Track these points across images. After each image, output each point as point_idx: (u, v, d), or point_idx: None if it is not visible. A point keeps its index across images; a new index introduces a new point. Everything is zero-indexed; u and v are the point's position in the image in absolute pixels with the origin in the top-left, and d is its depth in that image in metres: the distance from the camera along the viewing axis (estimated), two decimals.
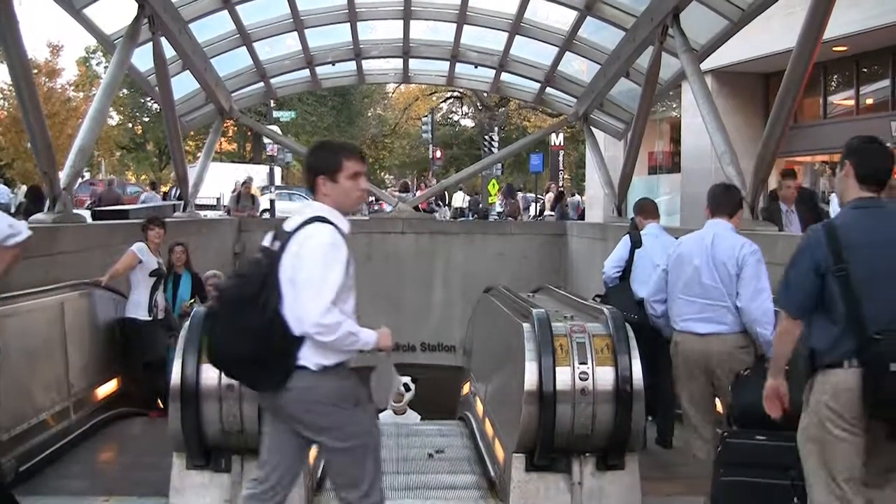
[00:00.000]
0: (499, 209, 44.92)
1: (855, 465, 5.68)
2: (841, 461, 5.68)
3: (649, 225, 11.48)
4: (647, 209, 11.84)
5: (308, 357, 5.74)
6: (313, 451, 6.89)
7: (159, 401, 12.96)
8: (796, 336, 5.98)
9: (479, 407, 11.93)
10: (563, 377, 8.11)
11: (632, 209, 12.37)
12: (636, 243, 11.24)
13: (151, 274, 13.07)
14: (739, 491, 6.91)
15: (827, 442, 5.71)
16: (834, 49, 24.56)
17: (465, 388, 14.71)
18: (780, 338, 6.17)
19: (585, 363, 8.17)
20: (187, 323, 8.41)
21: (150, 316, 13.05)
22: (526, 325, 8.61)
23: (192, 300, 14.17)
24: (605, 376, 8.14)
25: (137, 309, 13.02)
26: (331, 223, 5.84)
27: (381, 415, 15.56)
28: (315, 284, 5.63)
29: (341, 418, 5.88)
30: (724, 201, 8.84)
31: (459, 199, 47.34)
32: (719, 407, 8.70)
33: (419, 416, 16.27)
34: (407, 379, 16.54)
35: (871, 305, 5.63)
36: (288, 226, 5.93)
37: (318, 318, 5.58)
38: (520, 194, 46.97)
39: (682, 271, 8.73)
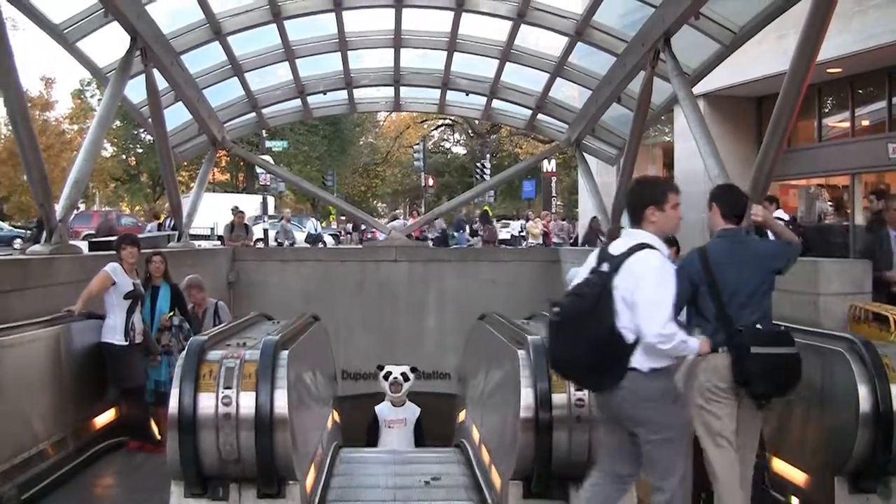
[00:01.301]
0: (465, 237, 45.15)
1: (728, 426, 7.72)
2: (719, 423, 7.69)
3: None
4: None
5: (640, 361, 6.77)
6: (311, 478, 6.87)
7: (156, 429, 12.69)
8: None
9: (476, 434, 11.92)
10: (560, 403, 8.14)
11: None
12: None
13: (126, 296, 12.23)
14: None
15: (709, 410, 7.70)
16: (828, 71, 24.58)
17: (461, 416, 14.69)
18: None
19: (581, 390, 8.19)
20: (184, 352, 8.36)
21: (126, 340, 12.19)
22: (521, 352, 8.63)
23: (171, 313, 13.53)
24: None
25: (113, 333, 12.17)
26: (656, 248, 6.94)
27: (378, 407, 15.97)
28: (654, 303, 6.70)
29: (661, 413, 6.84)
30: None
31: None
32: None
33: (419, 409, 16.01)
34: (405, 368, 16.17)
35: (732, 307, 7.79)
36: (614, 250, 7.03)
37: (659, 329, 6.66)
38: (563, 222, 46.76)
39: None
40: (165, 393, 11.73)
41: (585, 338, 6.76)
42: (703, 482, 7.95)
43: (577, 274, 11.43)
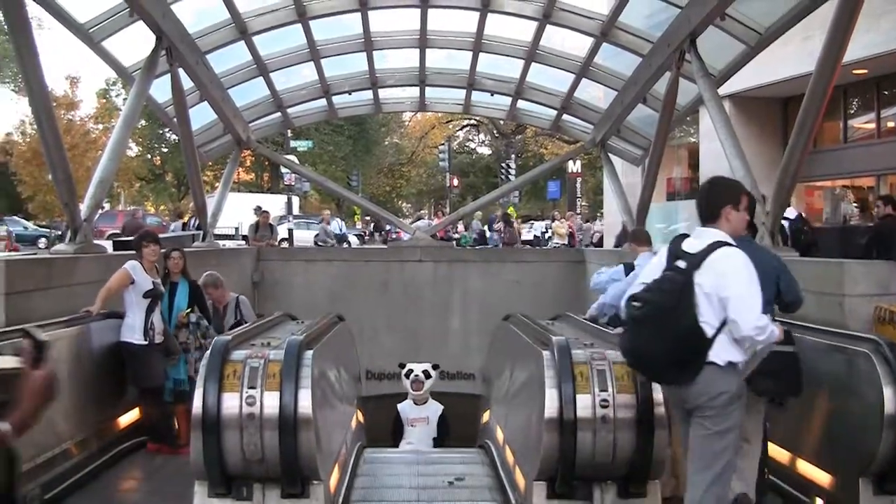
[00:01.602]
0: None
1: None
2: None
3: (642, 254, 11.61)
4: (640, 237, 12.60)
5: (718, 355, 6.91)
6: (335, 478, 6.85)
7: (178, 429, 12.72)
8: None
9: (500, 435, 11.89)
10: (584, 404, 8.11)
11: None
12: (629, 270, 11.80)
13: (145, 295, 12.01)
14: None
15: None
16: (854, 72, 24.50)
17: (485, 416, 14.67)
18: None
19: (606, 390, 8.19)
20: (208, 351, 8.38)
21: (145, 340, 12.00)
22: (546, 353, 8.59)
23: (190, 310, 13.19)
24: (626, 403, 8.14)
25: (132, 332, 11.98)
26: (735, 246, 7.14)
27: (401, 405, 16.07)
28: (748, 297, 6.90)
29: (730, 407, 6.93)
30: None
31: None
32: None
33: (442, 407, 16.00)
34: (427, 365, 16.18)
35: None
36: (689, 248, 7.21)
37: (755, 322, 6.81)
38: (584, 223, 46.81)
39: None
40: (184, 391, 12.53)
41: (667, 332, 6.94)
42: None
43: (607, 273, 11.50)
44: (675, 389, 7.25)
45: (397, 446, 15.21)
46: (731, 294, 6.86)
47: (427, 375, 15.96)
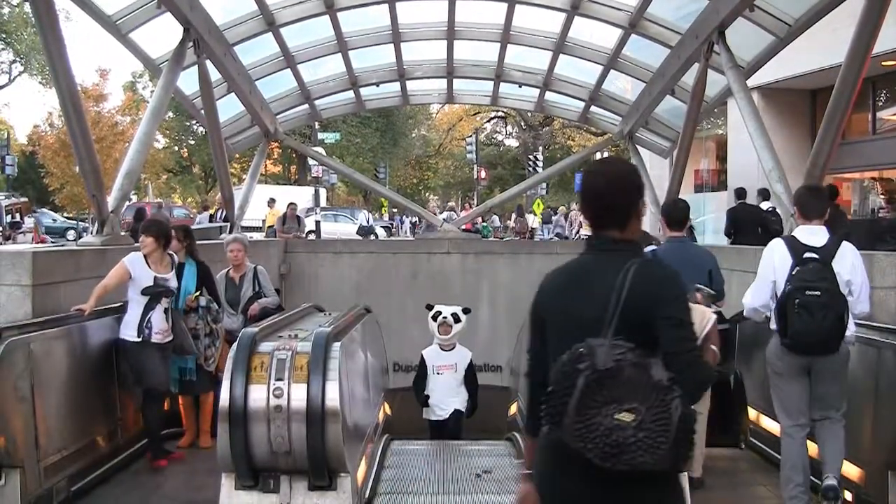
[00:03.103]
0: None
1: None
2: None
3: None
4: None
5: (850, 328, 8.48)
6: (362, 470, 6.84)
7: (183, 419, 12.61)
8: None
9: None
10: None
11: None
12: None
13: (143, 292, 11.03)
14: None
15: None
16: (883, 64, 24.34)
17: (513, 408, 14.65)
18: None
19: None
20: (236, 343, 8.36)
21: (138, 337, 10.96)
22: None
23: (198, 293, 12.11)
24: None
25: (127, 328, 11.05)
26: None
27: (426, 351, 14.87)
28: (867, 285, 8.76)
29: (846, 365, 8.73)
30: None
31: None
32: None
33: (470, 353, 14.95)
34: (457, 308, 15.07)
35: None
36: (814, 242, 8.71)
37: (869, 304, 8.82)
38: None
39: None
40: (192, 381, 12.00)
41: (838, 312, 8.27)
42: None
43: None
44: (824, 358, 8.53)
45: (421, 396, 14.53)
46: (857, 280, 8.62)
47: (456, 319, 14.90)
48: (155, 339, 11.13)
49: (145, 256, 11.26)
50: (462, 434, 14.28)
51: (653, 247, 11.51)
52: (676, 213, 10.91)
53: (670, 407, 4.04)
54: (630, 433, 4.01)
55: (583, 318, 4.42)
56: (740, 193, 22.65)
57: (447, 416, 14.22)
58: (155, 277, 11.24)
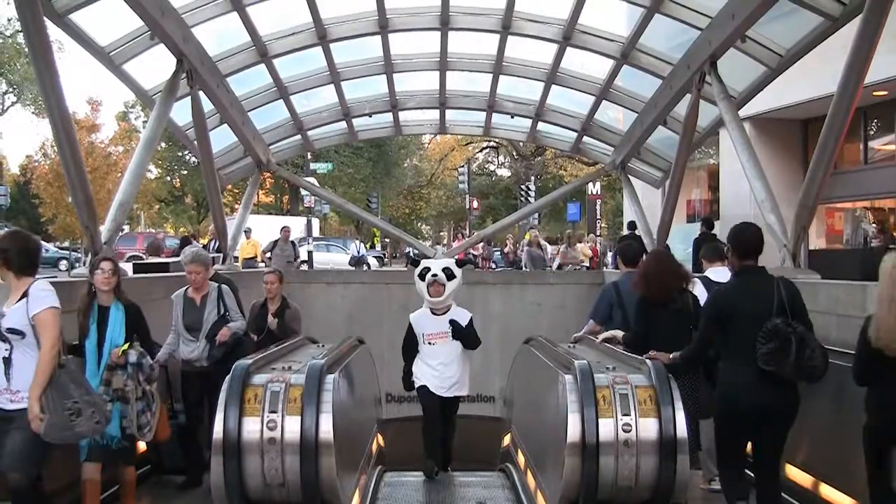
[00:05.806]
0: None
1: None
2: None
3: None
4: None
5: None
6: (355, 502, 6.83)
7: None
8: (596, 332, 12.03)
9: (521, 458, 11.88)
10: (606, 429, 8.11)
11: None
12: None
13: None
14: None
15: None
16: (875, 94, 24.37)
17: (506, 439, 14.62)
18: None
19: (629, 415, 8.20)
20: (229, 376, 8.34)
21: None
22: (568, 377, 8.58)
23: (127, 345, 9.55)
24: (648, 428, 8.15)
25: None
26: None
27: (414, 316, 12.70)
28: None
29: None
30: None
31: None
32: None
33: (469, 315, 12.51)
34: (449, 262, 12.64)
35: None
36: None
37: None
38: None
39: None
40: (122, 450, 9.53)
41: None
42: None
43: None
44: None
45: (410, 366, 12.44)
46: None
47: (450, 276, 12.34)
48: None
49: None
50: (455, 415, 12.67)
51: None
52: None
53: (816, 350, 8.28)
54: (816, 363, 8.25)
55: (756, 312, 8.27)
56: (708, 223, 23.23)
57: (446, 392, 12.12)
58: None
